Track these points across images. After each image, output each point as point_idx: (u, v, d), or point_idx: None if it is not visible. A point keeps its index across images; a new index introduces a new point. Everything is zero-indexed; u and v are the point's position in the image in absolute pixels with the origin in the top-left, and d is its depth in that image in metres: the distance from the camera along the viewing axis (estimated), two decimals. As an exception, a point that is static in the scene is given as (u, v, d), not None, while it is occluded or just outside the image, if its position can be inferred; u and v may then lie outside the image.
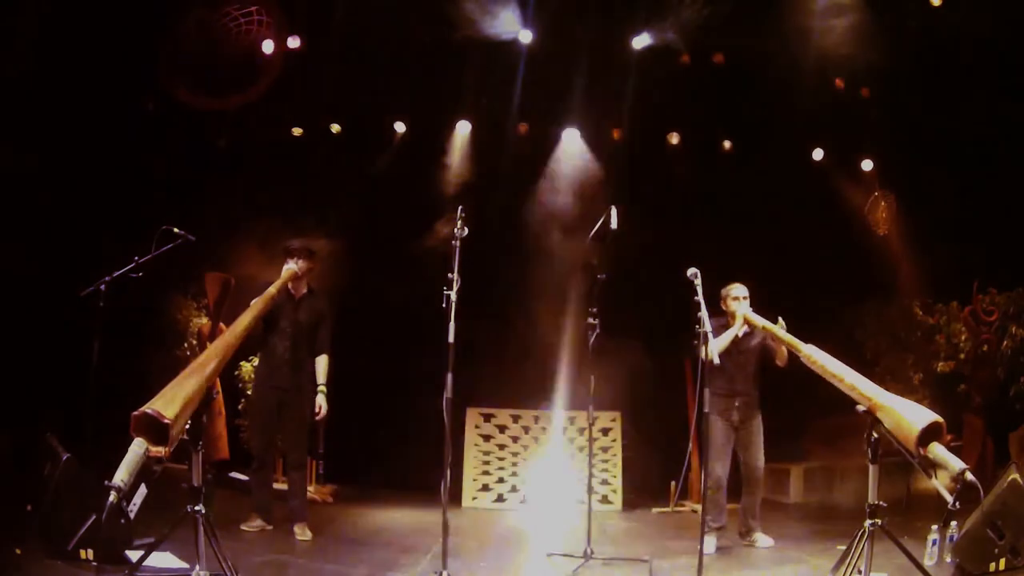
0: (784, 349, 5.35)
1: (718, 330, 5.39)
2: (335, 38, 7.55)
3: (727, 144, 8.62)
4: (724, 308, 5.56)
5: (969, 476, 3.60)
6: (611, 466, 7.35)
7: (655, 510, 7.21)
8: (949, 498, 3.73)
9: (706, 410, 4.68)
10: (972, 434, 7.52)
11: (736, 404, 5.52)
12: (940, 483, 3.85)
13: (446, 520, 4.13)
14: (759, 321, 5.18)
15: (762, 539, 5.55)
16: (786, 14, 7.16)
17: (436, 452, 4.20)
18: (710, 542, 5.29)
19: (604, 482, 7.28)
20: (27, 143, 6.13)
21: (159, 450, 3.40)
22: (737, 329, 5.43)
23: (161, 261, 5.03)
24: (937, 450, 3.74)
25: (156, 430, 3.42)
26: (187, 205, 6.72)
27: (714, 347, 5.18)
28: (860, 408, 4.07)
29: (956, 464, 3.67)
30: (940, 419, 3.81)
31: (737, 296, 5.47)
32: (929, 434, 3.77)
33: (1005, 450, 7.02)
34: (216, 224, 6.86)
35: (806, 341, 4.63)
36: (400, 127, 8.41)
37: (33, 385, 5.85)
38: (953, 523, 4.58)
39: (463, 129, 8.40)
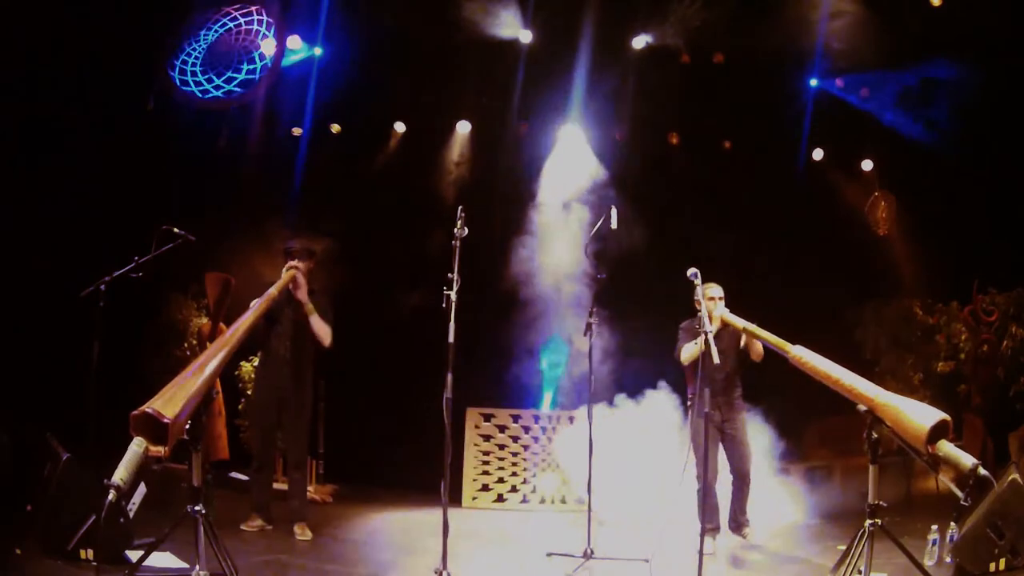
0: (759, 345, 5.27)
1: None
2: (336, 38, 7.55)
3: (727, 144, 8.61)
4: (698, 308, 5.51)
5: (982, 471, 3.61)
6: (611, 466, 7.34)
7: (655, 510, 7.19)
8: (960, 494, 3.73)
9: (707, 409, 4.67)
10: (972, 434, 7.51)
11: (717, 403, 5.48)
12: (948, 480, 3.85)
13: (446, 520, 4.13)
14: (739, 323, 5.09)
15: (752, 533, 5.55)
16: (786, 14, 7.16)
17: (436, 452, 4.20)
18: (709, 543, 5.29)
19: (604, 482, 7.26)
20: (27, 143, 6.13)
21: (158, 449, 3.41)
22: (710, 328, 5.34)
23: (161, 261, 5.03)
24: (947, 447, 3.73)
25: (156, 429, 3.43)
26: (187, 205, 6.72)
27: (686, 352, 5.23)
28: (861, 408, 4.06)
29: (967, 460, 3.66)
30: (947, 417, 3.80)
31: (712, 296, 5.37)
32: (937, 432, 3.77)
33: (1005, 450, 7.02)
34: (216, 224, 6.85)
35: (807, 342, 4.53)
36: (400, 127, 8.40)
37: (33, 385, 5.84)
38: (953, 523, 4.60)
39: (463, 129, 8.39)
